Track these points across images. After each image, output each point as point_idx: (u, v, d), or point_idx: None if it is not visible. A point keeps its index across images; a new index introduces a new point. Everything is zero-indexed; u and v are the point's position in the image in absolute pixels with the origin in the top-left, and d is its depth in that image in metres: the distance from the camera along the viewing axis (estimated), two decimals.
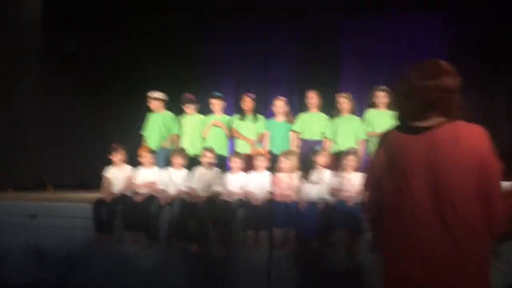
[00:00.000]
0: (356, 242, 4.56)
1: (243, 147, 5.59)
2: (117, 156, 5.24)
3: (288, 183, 4.99)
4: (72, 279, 4.76)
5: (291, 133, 5.62)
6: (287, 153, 5.12)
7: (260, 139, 5.72)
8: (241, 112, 5.72)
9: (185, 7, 7.93)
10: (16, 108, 7.58)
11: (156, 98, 5.84)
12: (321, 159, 4.98)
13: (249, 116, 5.71)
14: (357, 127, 5.50)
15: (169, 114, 5.90)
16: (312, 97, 5.57)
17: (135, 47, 8.08)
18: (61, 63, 8.08)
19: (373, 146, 5.41)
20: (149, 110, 5.93)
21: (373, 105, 5.61)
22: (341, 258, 4.50)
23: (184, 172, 5.20)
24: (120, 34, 8.13)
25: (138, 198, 4.95)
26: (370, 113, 5.58)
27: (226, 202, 4.89)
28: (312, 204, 4.71)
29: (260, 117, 5.79)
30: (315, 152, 5.03)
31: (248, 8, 7.68)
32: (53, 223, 5.06)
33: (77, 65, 8.32)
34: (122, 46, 8.06)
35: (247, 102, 5.68)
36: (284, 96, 5.87)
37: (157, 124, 5.82)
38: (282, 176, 5.01)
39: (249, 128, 5.68)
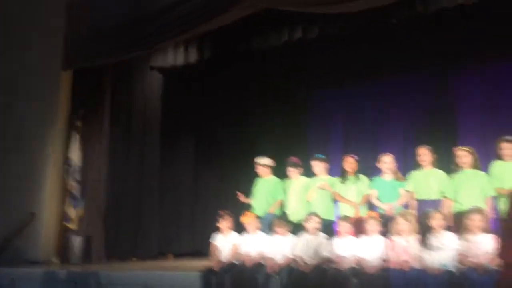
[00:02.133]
0: None
1: (347, 211, 5.22)
2: (224, 223, 5.24)
3: (405, 247, 4.46)
4: None
5: (403, 193, 5.13)
6: (404, 214, 4.65)
7: (364, 201, 5.32)
8: (342, 174, 5.42)
9: (295, 74, 8.09)
10: (140, 182, 8.21)
11: (263, 164, 5.85)
12: (436, 221, 4.41)
13: (351, 178, 5.39)
14: (483, 183, 4.82)
15: (275, 179, 5.84)
16: (424, 153, 5.10)
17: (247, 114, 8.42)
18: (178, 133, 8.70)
19: (503, 203, 4.70)
20: (256, 175, 5.94)
21: (499, 157, 4.92)
22: None
23: (290, 238, 4.97)
24: (233, 102, 8.56)
25: (247, 265, 4.82)
26: (497, 166, 4.89)
27: (337, 270, 4.52)
28: (436, 273, 4.11)
29: (363, 177, 5.43)
30: (427, 214, 4.48)
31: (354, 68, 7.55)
32: None
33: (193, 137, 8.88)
34: (234, 111, 8.46)
35: (349, 163, 5.40)
36: (397, 155, 5.46)
37: (264, 189, 5.78)
38: (398, 240, 4.51)
39: (352, 190, 5.35)
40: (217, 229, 5.30)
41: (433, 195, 4.98)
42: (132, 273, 5.55)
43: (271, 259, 4.88)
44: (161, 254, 8.19)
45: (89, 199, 7.57)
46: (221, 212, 5.33)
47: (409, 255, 4.40)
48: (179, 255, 8.22)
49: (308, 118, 8.32)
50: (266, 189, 5.79)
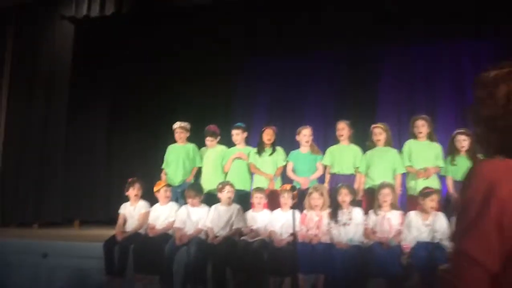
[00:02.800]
0: None
1: (262, 183, 5.07)
2: (132, 191, 4.86)
3: (316, 221, 4.42)
4: None
5: (319, 166, 5.07)
6: (318, 188, 4.58)
7: (279, 173, 5.22)
8: (260, 145, 5.24)
9: (223, 39, 7.62)
10: (45, 141, 7.47)
11: (180, 128, 5.46)
12: (343, 196, 4.39)
13: (268, 149, 5.23)
14: (394, 160, 4.89)
15: (191, 146, 5.52)
16: (343, 128, 5.04)
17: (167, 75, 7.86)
18: (90, 94, 7.98)
19: (412, 181, 4.80)
20: (170, 143, 5.57)
21: (413, 135, 5.00)
22: None
23: (202, 209, 4.73)
24: (152, 61, 7.94)
25: (152, 235, 4.53)
26: (409, 144, 4.97)
27: (247, 243, 4.37)
28: (343, 247, 4.11)
29: (279, 149, 5.30)
30: (338, 189, 4.45)
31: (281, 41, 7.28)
32: (65, 263, 4.69)
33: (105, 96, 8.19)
34: (154, 73, 7.87)
35: (267, 134, 5.22)
36: (318, 129, 5.35)
37: (180, 156, 5.43)
38: (310, 214, 4.45)
39: (268, 162, 5.20)
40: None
41: (346, 170, 4.97)
42: (29, 241, 5.02)
43: (180, 229, 4.62)
44: (67, 222, 7.61)
45: None
46: (129, 180, 4.94)
47: (319, 230, 4.36)
48: (89, 222, 7.67)
49: (233, 86, 7.97)
50: (182, 156, 5.45)
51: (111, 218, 7.23)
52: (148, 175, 6.00)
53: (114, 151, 8.19)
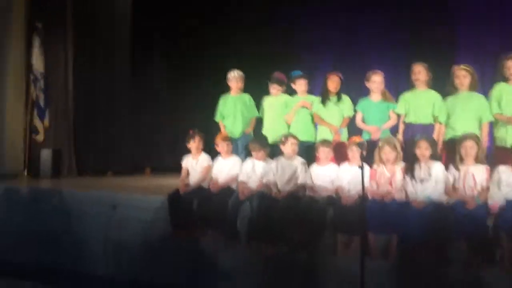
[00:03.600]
0: (478, 256, 3.47)
1: (327, 134, 4.67)
2: (193, 144, 4.69)
3: (388, 177, 4.00)
4: (145, 275, 4.37)
5: (392, 116, 4.55)
6: (390, 140, 4.11)
7: (345, 124, 4.78)
8: (324, 94, 4.78)
9: None
10: (111, 95, 7.53)
11: (238, 76, 5.13)
12: (422, 150, 3.88)
13: (333, 98, 4.76)
14: (480, 107, 4.24)
15: (247, 96, 5.19)
16: (419, 71, 4.42)
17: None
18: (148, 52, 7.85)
19: (502, 129, 4.17)
20: (223, 93, 5.27)
21: (503, 78, 4.28)
22: (457, 276, 3.47)
23: (265, 162, 4.47)
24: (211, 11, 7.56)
25: (214, 191, 4.38)
26: (499, 88, 4.27)
27: (312, 199, 4.09)
28: (420, 205, 3.68)
29: (346, 98, 4.82)
30: (417, 142, 3.94)
31: None
32: (133, 214, 4.72)
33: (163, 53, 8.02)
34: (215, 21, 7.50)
35: (332, 82, 4.73)
36: (389, 74, 4.76)
37: (238, 107, 5.13)
38: (381, 169, 4.03)
39: (333, 112, 4.76)
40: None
41: (424, 119, 4.41)
42: (98, 193, 5.12)
43: (243, 184, 4.42)
44: (138, 169, 7.79)
45: (55, 109, 6.96)
46: (190, 131, 4.76)
47: (392, 186, 3.95)
48: (158, 169, 7.79)
49: (297, 33, 7.28)
50: (240, 106, 5.14)
51: (179, 166, 7.26)
52: (209, 126, 5.80)
53: (177, 100, 8.08)
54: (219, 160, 4.69)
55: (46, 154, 6.64)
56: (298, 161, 4.38)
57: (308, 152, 4.55)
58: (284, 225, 4.01)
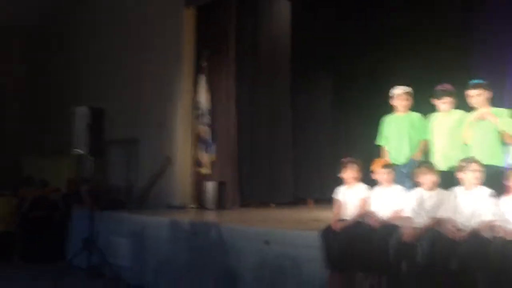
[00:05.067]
0: None
1: None
2: (349, 173, 4.22)
3: None
4: None
5: None
6: None
7: None
8: None
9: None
10: (273, 125, 7.60)
11: (406, 93, 4.50)
12: None
13: None
14: None
15: (416, 115, 4.47)
16: None
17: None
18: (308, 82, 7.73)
19: None
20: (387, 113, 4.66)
21: None
22: None
23: (436, 194, 3.72)
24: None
25: (373, 227, 3.82)
26: None
27: (504, 240, 3.18)
28: None
29: None
30: None
31: None
32: (286, 251, 4.47)
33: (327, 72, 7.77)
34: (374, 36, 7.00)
35: None
36: None
37: (405, 128, 4.47)
38: None
39: None
40: (336, 178, 4.33)
41: None
42: (253, 228, 5.04)
43: (409, 219, 3.74)
44: (300, 200, 7.62)
45: (220, 143, 7.31)
46: (343, 160, 4.31)
47: None
48: (322, 201, 7.49)
49: (470, 41, 6.19)
50: (407, 127, 4.46)
51: None
52: (370, 153, 5.23)
53: (340, 130, 7.73)
54: (378, 190, 4.10)
55: (211, 187, 6.97)
56: (483, 192, 3.51)
57: (495, 180, 3.61)
58: (467, 277, 3.20)
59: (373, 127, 4.91)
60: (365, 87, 7.21)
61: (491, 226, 3.36)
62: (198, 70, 7.43)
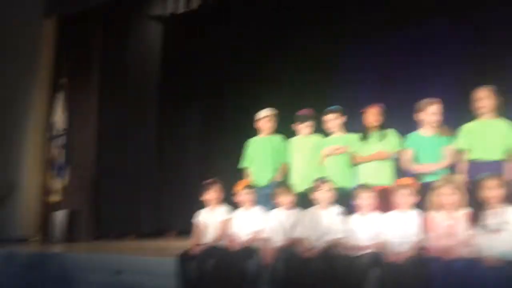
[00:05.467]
0: None
1: (371, 177, 3.96)
2: (210, 195, 4.15)
3: (449, 227, 3.22)
4: None
5: (449, 152, 3.83)
6: (449, 180, 3.39)
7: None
8: (365, 130, 4.17)
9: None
10: (137, 152, 7.26)
11: (270, 115, 4.63)
12: (494, 191, 3.11)
13: (376, 133, 4.13)
14: None
15: (278, 138, 4.64)
16: (485, 97, 3.73)
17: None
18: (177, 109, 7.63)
19: None
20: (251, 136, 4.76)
21: None
22: None
23: (293, 213, 3.82)
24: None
25: (232, 249, 3.75)
26: None
27: (352, 256, 3.36)
28: (494, 264, 2.87)
29: (391, 132, 4.16)
30: (482, 181, 3.19)
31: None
32: (139, 280, 4.15)
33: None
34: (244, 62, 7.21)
35: (373, 115, 4.13)
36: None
37: (265, 151, 4.58)
38: (439, 217, 3.28)
39: (376, 150, 4.10)
40: (202, 203, 4.23)
41: (493, 155, 3.64)
42: (101, 256, 4.62)
43: (267, 240, 3.76)
44: (162, 232, 7.29)
45: (75, 167, 6.72)
46: (206, 181, 4.24)
47: (454, 238, 3.16)
48: (186, 232, 7.21)
49: (331, 72, 6.78)
50: (269, 150, 4.59)
51: None
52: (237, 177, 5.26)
53: (209, 153, 7.67)
54: (240, 212, 4.09)
55: (61, 216, 6.31)
56: (335, 211, 3.70)
57: (344, 200, 3.86)
58: None
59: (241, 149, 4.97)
60: (233, 110, 7.29)
61: (339, 243, 3.53)
62: (55, 88, 6.84)
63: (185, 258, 3.86)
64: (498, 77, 4.49)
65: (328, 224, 3.65)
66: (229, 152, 6.94)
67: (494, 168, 3.53)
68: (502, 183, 3.20)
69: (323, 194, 3.75)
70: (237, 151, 6.69)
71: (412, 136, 4.03)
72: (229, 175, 4.60)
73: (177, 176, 7.60)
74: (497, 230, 3.08)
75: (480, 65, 5.50)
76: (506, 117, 3.75)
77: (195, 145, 7.80)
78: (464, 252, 3.07)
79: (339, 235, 3.55)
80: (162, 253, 5.00)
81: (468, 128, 3.82)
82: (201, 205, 6.39)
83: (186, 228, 7.13)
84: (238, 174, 4.71)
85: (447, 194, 3.26)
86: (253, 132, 4.79)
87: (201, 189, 4.21)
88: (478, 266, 2.92)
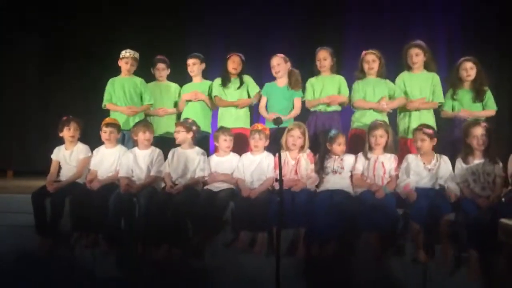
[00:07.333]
0: (387, 247, 3.53)
1: (227, 122, 4.46)
2: (68, 132, 4.15)
3: (293, 165, 3.91)
4: None
5: (297, 103, 4.50)
6: (298, 124, 4.03)
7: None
8: (224, 76, 4.61)
9: None
10: None
11: (132, 57, 4.69)
12: (339, 147, 3.92)
13: (234, 81, 4.60)
14: (390, 94, 4.36)
15: (139, 80, 4.77)
16: (325, 57, 4.43)
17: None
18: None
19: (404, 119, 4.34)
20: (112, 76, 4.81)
21: (406, 67, 4.46)
22: (366, 268, 3.49)
23: (153, 152, 4.09)
24: None
25: (92, 187, 3.89)
26: (404, 76, 4.45)
27: (211, 191, 3.83)
28: (328, 195, 3.63)
29: (249, 79, 4.67)
30: (331, 139, 3.95)
31: None
32: None
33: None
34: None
35: (234, 63, 4.57)
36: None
37: (128, 91, 4.67)
38: (285, 156, 3.93)
39: (234, 96, 4.59)
40: (61, 140, 4.21)
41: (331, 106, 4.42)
42: None
43: (128, 178, 3.99)
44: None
45: None
46: (63, 118, 4.21)
47: (299, 175, 3.86)
48: (25, 172, 6.79)
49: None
50: (130, 91, 4.68)
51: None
52: (91, 113, 5.20)
53: (50, 87, 7.12)
54: (101, 149, 4.20)
55: None
56: (197, 151, 4.09)
57: (203, 143, 4.30)
58: (179, 224, 3.68)
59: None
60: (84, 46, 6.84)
61: (200, 181, 3.97)
62: None
63: (40, 195, 3.86)
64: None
65: (190, 164, 4.02)
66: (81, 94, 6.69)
67: (330, 118, 4.35)
68: (343, 139, 3.95)
69: (184, 135, 4.07)
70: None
71: (268, 85, 4.60)
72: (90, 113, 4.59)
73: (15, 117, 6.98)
74: (333, 171, 3.88)
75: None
76: (340, 73, 4.52)
77: (35, 86, 7.15)
78: (307, 185, 3.79)
79: (200, 174, 3.98)
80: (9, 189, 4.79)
81: (312, 82, 4.51)
82: (44, 148, 6.17)
83: (24, 169, 6.82)
84: (99, 112, 4.74)
85: (296, 136, 3.92)
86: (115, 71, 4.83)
87: (59, 125, 4.18)
88: (316, 196, 3.68)
